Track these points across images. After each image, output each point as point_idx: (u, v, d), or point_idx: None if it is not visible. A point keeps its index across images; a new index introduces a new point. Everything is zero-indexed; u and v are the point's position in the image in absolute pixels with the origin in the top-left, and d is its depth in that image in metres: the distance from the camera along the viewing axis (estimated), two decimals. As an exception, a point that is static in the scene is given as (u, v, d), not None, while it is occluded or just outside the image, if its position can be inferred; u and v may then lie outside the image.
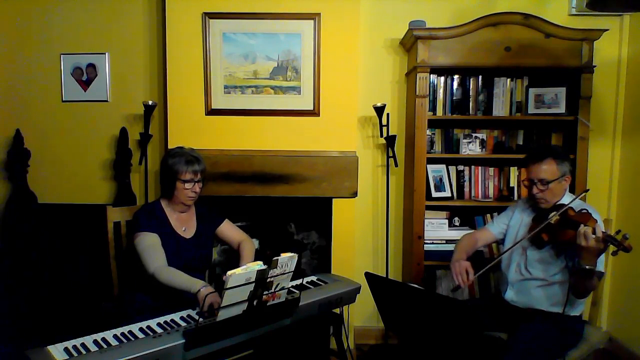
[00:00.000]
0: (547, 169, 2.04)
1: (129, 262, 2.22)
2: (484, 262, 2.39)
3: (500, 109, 2.89)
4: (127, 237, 2.34)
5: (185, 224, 2.23)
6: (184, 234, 2.20)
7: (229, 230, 2.37)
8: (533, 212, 2.17)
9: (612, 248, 1.82)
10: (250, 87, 2.85)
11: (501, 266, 2.24)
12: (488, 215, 2.90)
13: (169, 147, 2.81)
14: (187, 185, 2.13)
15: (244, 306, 1.67)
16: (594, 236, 1.77)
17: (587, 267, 1.82)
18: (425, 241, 2.84)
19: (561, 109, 2.82)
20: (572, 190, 2.77)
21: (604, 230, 1.81)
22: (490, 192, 2.95)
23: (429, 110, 2.83)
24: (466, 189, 2.96)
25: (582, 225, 1.81)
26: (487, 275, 2.86)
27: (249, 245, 2.32)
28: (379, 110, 2.87)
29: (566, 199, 2.09)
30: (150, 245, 2.06)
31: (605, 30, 2.70)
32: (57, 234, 3.03)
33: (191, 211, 2.28)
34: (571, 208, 1.97)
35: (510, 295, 2.16)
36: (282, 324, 1.88)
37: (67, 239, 3.02)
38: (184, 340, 1.59)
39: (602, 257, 1.96)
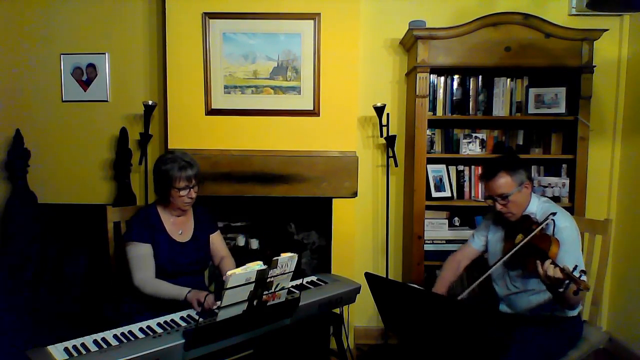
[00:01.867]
0: (503, 183, 1.99)
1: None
2: (481, 262, 2.38)
3: (500, 109, 2.89)
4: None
5: (181, 227, 2.21)
6: (180, 238, 2.18)
7: (217, 242, 2.34)
8: (505, 226, 2.14)
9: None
10: (250, 87, 2.85)
11: (492, 281, 2.23)
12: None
13: (169, 147, 2.82)
14: (182, 193, 2.10)
15: (244, 306, 1.67)
16: (553, 275, 1.71)
17: (559, 290, 1.77)
18: (425, 241, 2.84)
19: (561, 109, 2.82)
20: (572, 190, 2.79)
21: (562, 267, 1.71)
22: (490, 192, 2.95)
23: (429, 110, 2.83)
24: (466, 189, 2.96)
25: (538, 264, 1.76)
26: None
27: (232, 263, 2.30)
28: (379, 110, 2.87)
29: (534, 204, 2.07)
30: (138, 257, 2.05)
31: (605, 30, 2.70)
32: (57, 234, 3.03)
33: (188, 214, 2.26)
34: (538, 224, 1.93)
35: (503, 308, 2.17)
36: (282, 324, 1.88)
37: (67, 239, 3.02)
38: (184, 340, 1.59)
39: (580, 262, 1.92)
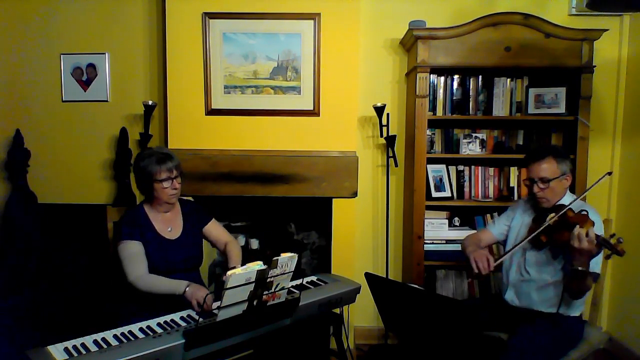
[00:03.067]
0: (548, 167, 2.05)
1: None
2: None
3: (500, 109, 2.89)
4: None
5: (170, 224, 2.20)
6: (169, 235, 2.17)
7: (215, 229, 2.33)
8: (534, 212, 2.18)
9: (606, 252, 1.82)
10: (250, 87, 2.85)
11: (502, 267, 2.24)
12: (488, 215, 2.90)
13: (169, 147, 2.82)
14: (164, 185, 2.10)
15: (244, 306, 1.67)
16: (587, 238, 1.78)
17: (578, 268, 1.83)
18: (425, 241, 2.84)
19: (561, 109, 2.82)
20: (572, 189, 2.79)
21: (598, 234, 1.80)
22: (490, 192, 2.95)
23: (429, 110, 2.83)
24: (466, 189, 2.96)
25: (577, 227, 1.82)
26: (487, 276, 2.86)
27: (236, 246, 2.30)
28: (379, 110, 2.87)
29: (567, 198, 2.10)
30: (130, 255, 2.04)
31: (605, 30, 2.70)
32: (57, 234, 3.03)
33: (176, 210, 2.25)
34: (571, 209, 1.97)
35: (510, 295, 2.17)
36: (282, 324, 1.88)
37: (67, 239, 3.02)
38: (184, 340, 1.59)
39: (598, 258, 1.96)
